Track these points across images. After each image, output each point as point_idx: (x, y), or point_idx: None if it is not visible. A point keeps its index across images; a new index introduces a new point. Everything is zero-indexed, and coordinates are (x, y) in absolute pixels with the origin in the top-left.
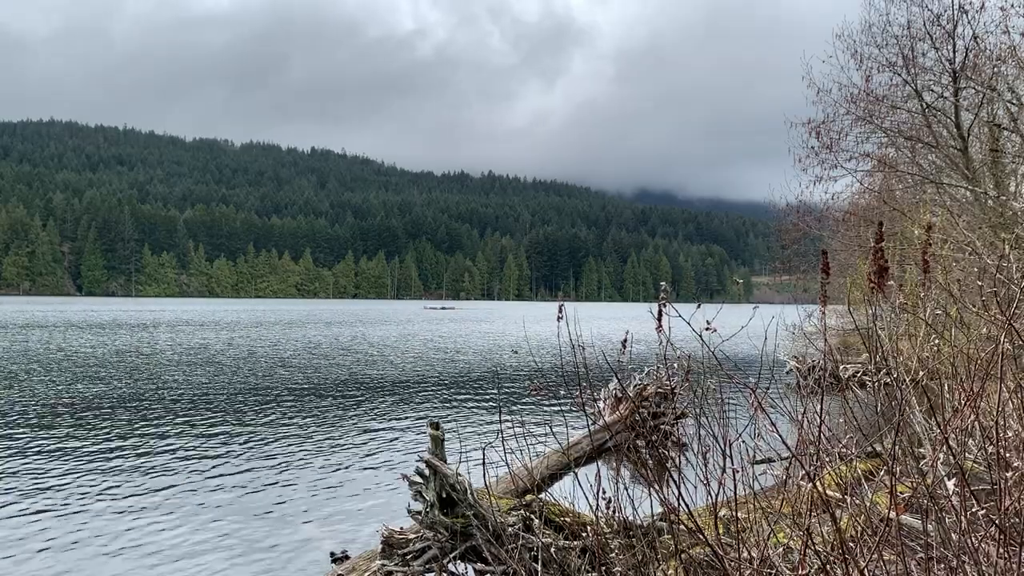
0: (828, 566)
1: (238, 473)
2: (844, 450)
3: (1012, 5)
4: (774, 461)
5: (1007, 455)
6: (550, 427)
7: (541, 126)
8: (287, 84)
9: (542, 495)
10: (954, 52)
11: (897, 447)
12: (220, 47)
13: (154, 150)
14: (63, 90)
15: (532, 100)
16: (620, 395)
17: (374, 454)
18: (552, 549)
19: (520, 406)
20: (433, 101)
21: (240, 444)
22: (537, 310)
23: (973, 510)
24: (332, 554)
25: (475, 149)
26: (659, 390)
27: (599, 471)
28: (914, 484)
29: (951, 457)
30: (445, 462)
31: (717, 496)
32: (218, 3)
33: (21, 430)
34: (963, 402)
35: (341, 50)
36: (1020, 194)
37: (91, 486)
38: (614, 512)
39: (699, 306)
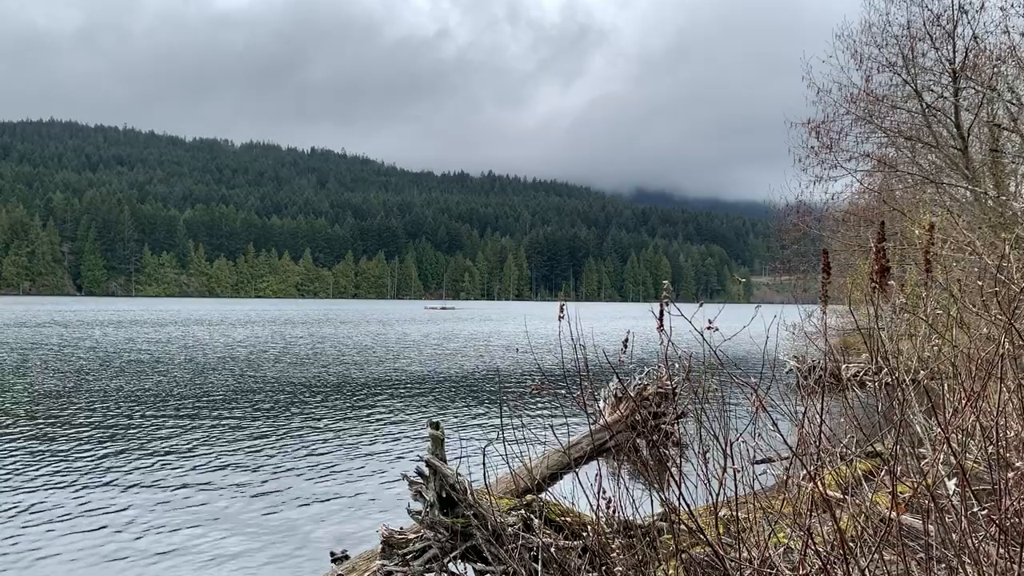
0: (828, 566)
1: (238, 473)
2: (845, 450)
3: (1012, 5)
4: (774, 461)
5: (1008, 455)
6: (550, 427)
7: (544, 128)
8: (304, 86)
9: (542, 495)
10: (954, 52)
11: (898, 447)
12: (239, 48)
13: (154, 150)
14: (70, 90)
15: (543, 103)
16: (621, 395)
17: (374, 454)
18: (552, 549)
19: (520, 406)
20: (450, 104)
21: (240, 444)
22: (537, 310)
23: (974, 510)
24: (332, 554)
25: (477, 150)
26: (660, 390)
27: (599, 471)
28: (915, 484)
29: (952, 457)
30: (445, 462)
31: (717, 496)
32: (238, 3)
33: (10, 426)
34: (964, 402)
35: (358, 52)
36: (1020, 194)
37: (91, 485)
38: (614, 512)
39: (701, 305)
